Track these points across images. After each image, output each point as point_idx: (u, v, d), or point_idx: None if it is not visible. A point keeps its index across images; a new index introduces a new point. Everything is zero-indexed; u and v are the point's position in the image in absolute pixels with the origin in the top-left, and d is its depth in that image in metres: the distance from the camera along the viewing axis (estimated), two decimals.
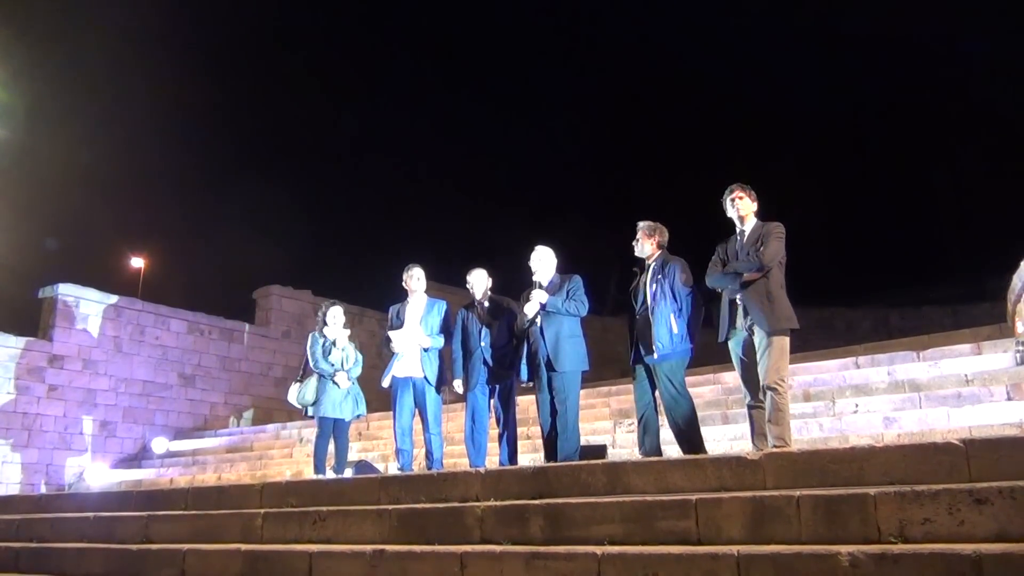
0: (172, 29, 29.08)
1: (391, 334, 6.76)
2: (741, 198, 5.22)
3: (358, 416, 7.56)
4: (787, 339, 4.94)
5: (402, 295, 7.04)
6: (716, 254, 5.29)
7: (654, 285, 5.49)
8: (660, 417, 5.65)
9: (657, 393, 5.52)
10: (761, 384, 4.90)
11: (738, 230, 5.24)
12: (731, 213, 5.27)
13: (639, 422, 5.61)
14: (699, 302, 5.46)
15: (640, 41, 38.28)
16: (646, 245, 5.70)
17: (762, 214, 5.27)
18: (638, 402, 5.63)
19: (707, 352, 6.30)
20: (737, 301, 5.07)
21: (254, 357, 15.64)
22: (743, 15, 33.40)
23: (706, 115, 33.12)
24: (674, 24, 35.82)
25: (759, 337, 4.94)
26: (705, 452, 5.17)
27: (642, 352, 5.47)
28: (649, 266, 5.64)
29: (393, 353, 6.74)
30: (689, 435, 5.34)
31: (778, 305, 4.90)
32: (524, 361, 6.05)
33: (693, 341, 5.40)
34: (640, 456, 5.40)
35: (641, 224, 5.79)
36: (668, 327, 5.34)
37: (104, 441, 13.19)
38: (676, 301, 5.41)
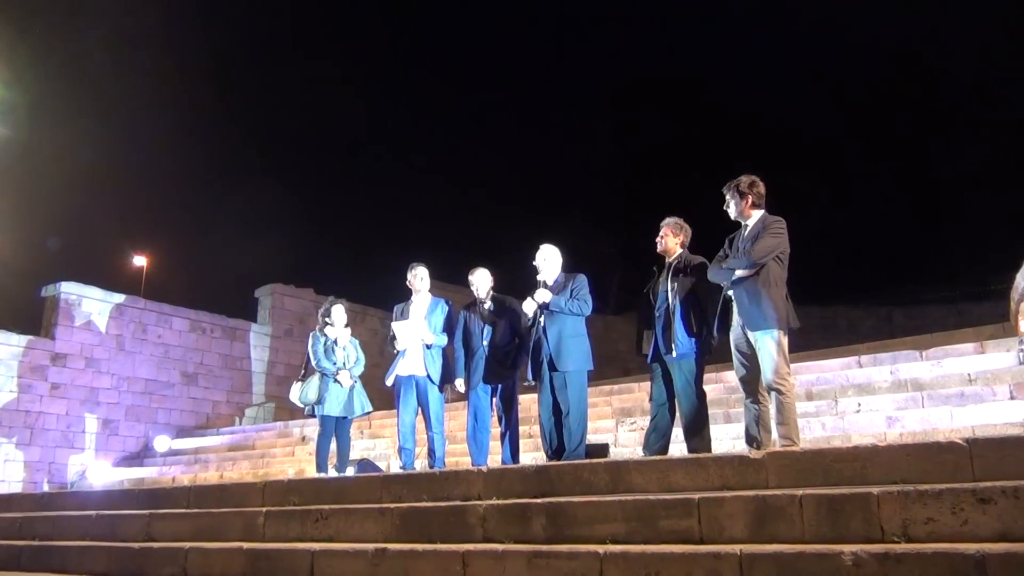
0: (174, 28, 29.09)
1: (395, 325, 6.76)
2: (727, 200, 5.15)
3: (366, 413, 7.57)
4: (780, 336, 4.77)
5: (405, 294, 7.04)
6: (723, 247, 5.23)
7: (674, 284, 5.47)
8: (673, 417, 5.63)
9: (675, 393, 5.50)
10: (763, 384, 4.88)
11: (742, 224, 5.20)
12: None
13: (651, 419, 5.60)
14: (717, 301, 5.41)
15: (643, 41, 38.28)
16: (670, 242, 5.65)
17: (770, 207, 5.14)
18: (654, 401, 5.60)
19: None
20: (732, 298, 5.05)
21: (256, 355, 15.67)
22: (745, 14, 33.37)
23: (709, 113, 33.08)
24: (677, 24, 35.82)
25: (752, 336, 4.89)
26: (711, 452, 5.16)
27: (661, 350, 5.47)
28: (670, 265, 5.61)
29: (396, 352, 6.74)
30: (698, 434, 5.33)
31: (766, 303, 4.77)
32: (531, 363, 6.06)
33: (713, 340, 5.37)
34: (643, 455, 5.40)
35: (667, 220, 5.70)
36: (687, 326, 5.34)
37: (106, 439, 13.22)
38: (696, 300, 5.39)
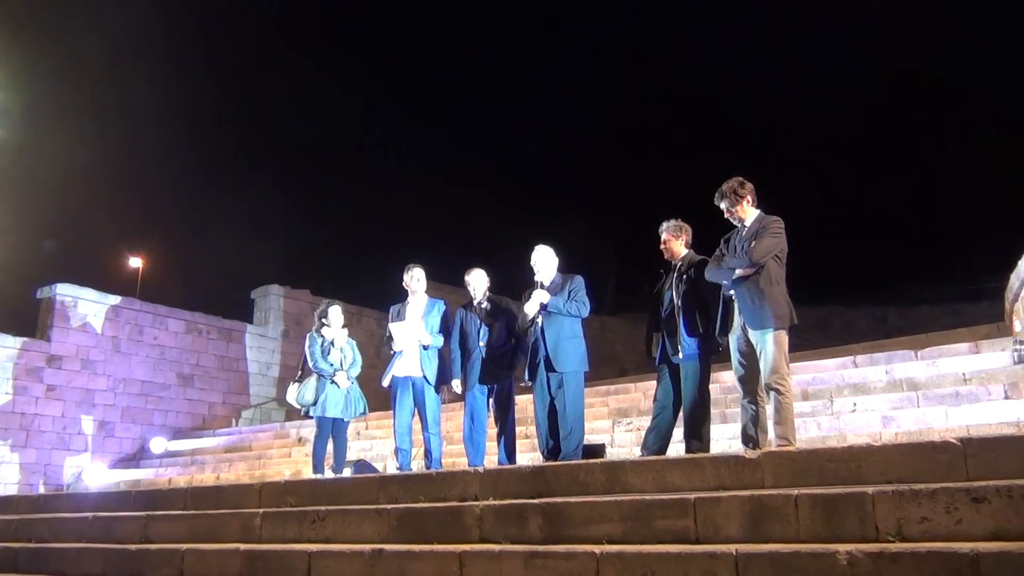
0: (171, 28, 29.06)
1: (392, 326, 6.76)
2: (724, 209, 5.18)
3: (362, 414, 7.57)
4: (782, 336, 4.84)
5: (401, 295, 7.04)
6: (719, 247, 5.27)
7: (679, 285, 5.48)
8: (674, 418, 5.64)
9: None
10: (762, 384, 4.89)
11: (738, 224, 5.23)
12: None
13: (653, 419, 5.60)
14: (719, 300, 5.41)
15: (639, 42, 38.34)
16: (675, 246, 5.64)
17: (764, 207, 5.19)
18: (658, 402, 5.61)
19: None
20: (732, 298, 5.07)
21: (252, 357, 15.64)
22: (740, 14, 33.44)
23: (704, 113, 33.14)
24: (671, 25, 35.88)
25: (754, 336, 4.92)
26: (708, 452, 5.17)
27: (668, 352, 5.48)
28: (676, 266, 5.62)
29: (393, 352, 6.74)
30: (698, 434, 5.35)
31: (769, 302, 4.83)
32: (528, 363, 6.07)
33: (720, 340, 5.38)
34: (640, 455, 5.41)
35: (665, 226, 5.69)
36: (692, 327, 5.35)
37: (102, 441, 13.19)
38: (700, 300, 5.40)
